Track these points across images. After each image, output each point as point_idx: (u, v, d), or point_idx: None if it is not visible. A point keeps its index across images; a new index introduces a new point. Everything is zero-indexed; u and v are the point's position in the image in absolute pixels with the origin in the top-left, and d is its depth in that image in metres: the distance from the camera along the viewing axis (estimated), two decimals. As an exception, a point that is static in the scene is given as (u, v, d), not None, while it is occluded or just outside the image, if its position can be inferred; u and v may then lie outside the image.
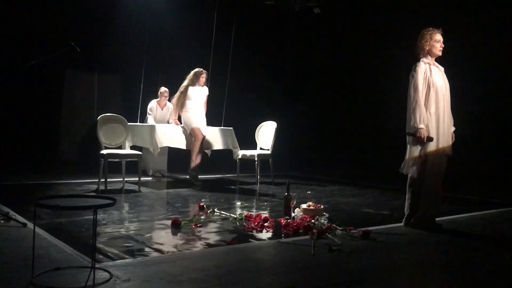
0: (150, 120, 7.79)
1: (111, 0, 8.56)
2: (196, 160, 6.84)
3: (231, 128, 7.55)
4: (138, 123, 7.49)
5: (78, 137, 8.01)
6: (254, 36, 10.26)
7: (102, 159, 6.04)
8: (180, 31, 9.18)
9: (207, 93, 7.18)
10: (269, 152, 7.43)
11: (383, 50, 8.91)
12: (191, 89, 6.99)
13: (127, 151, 6.46)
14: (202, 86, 7.10)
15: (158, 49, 8.98)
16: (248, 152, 7.41)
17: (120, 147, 6.50)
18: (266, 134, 7.63)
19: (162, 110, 7.92)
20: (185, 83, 7.03)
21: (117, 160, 6.27)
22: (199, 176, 6.91)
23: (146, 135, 6.84)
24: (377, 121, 9.07)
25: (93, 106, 7.67)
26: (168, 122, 7.49)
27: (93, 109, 7.04)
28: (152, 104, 7.94)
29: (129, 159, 6.36)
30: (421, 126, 4.12)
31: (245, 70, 10.02)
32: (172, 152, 7.76)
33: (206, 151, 7.22)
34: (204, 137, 6.91)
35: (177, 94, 7.06)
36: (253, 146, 7.70)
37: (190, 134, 6.93)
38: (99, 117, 6.42)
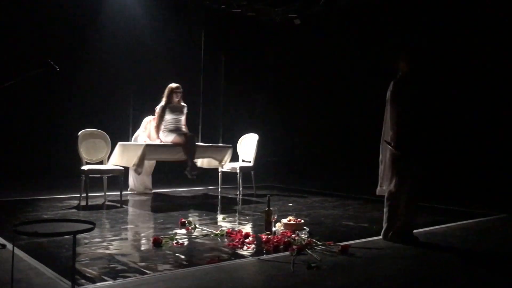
0: (141, 136, 7.44)
1: (93, 15, 8.64)
2: (190, 161, 6.70)
3: (230, 145, 7.49)
4: (131, 143, 7.24)
5: (59, 153, 7.96)
6: (235, 48, 10.34)
7: (83, 175, 6.03)
8: (159, 44, 9.26)
9: (186, 110, 7.09)
10: (251, 164, 7.49)
11: (364, 61, 9.06)
12: (168, 107, 6.90)
13: (108, 166, 6.44)
14: (178, 102, 7.00)
15: (137, 62, 9.02)
16: (230, 165, 7.46)
17: (101, 162, 6.49)
18: (247, 146, 7.69)
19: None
20: (162, 102, 6.95)
21: (98, 175, 6.26)
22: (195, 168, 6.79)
23: (134, 153, 6.56)
24: (359, 132, 9.20)
25: (75, 121, 7.64)
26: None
27: (75, 124, 7.02)
28: (148, 119, 7.53)
29: (110, 175, 6.35)
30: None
31: (226, 83, 10.08)
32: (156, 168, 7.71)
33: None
34: (186, 137, 6.72)
35: (156, 116, 6.95)
36: (235, 158, 7.75)
37: (174, 144, 6.76)
38: (79, 132, 6.40)
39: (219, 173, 7.55)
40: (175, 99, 6.95)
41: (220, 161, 7.31)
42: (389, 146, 4.36)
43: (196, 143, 6.96)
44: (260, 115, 10.55)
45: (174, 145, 6.77)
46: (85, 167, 6.10)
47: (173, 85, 7.01)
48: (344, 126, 9.68)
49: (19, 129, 8.14)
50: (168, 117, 6.89)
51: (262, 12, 10.47)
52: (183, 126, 7.03)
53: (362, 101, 9.02)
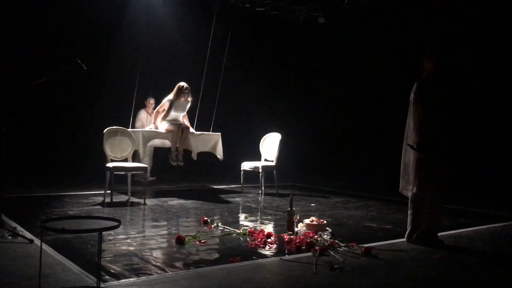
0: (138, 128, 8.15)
1: (120, 15, 8.79)
2: (176, 146, 7.19)
3: (219, 133, 7.75)
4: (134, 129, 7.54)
5: (85, 150, 8.10)
6: (259, 46, 10.34)
7: (108, 172, 6.12)
8: (184, 42, 9.31)
9: (189, 105, 7.48)
10: (273, 163, 7.48)
11: (389, 60, 8.95)
12: (174, 105, 7.26)
13: (133, 164, 6.52)
14: (185, 100, 7.35)
15: (163, 60, 9.10)
16: (253, 164, 7.47)
17: (125, 160, 6.57)
18: (270, 145, 7.69)
19: (151, 117, 8.31)
20: (170, 97, 7.29)
21: (122, 173, 6.35)
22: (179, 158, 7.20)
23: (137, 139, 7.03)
24: (382, 132, 9.10)
25: (102, 119, 7.77)
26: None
27: (102, 122, 7.15)
28: (141, 113, 8.51)
29: (134, 172, 6.43)
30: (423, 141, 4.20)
31: (249, 82, 10.08)
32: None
33: (193, 155, 7.47)
34: (179, 128, 7.19)
35: (162, 107, 7.32)
36: (258, 157, 7.76)
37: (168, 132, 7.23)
38: (105, 130, 6.49)
39: (242, 172, 7.57)
40: (182, 99, 7.31)
41: (215, 151, 7.62)
42: (413, 149, 4.30)
43: (188, 134, 7.29)
44: (283, 114, 10.52)
45: (166, 133, 7.25)
46: (110, 165, 6.18)
47: (182, 84, 7.32)
48: (368, 126, 9.58)
49: (46, 126, 8.30)
50: (172, 113, 7.28)
51: (286, 11, 10.44)
52: (181, 119, 7.44)
53: (386, 101, 8.91)
